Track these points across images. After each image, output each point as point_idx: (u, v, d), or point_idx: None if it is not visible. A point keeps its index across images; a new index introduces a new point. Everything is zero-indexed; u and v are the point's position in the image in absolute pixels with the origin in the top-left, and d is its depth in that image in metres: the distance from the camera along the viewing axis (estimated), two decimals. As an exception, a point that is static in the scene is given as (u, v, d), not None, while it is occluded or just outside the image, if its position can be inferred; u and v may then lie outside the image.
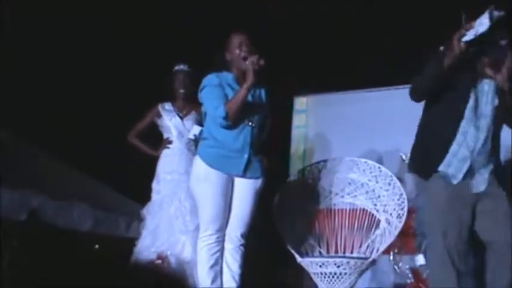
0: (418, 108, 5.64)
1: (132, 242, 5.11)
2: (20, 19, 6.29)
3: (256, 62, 3.80)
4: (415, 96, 3.69)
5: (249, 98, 3.92)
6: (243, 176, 3.91)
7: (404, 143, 5.79)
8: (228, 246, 3.87)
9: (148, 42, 7.04)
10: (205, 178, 3.84)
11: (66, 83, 6.92)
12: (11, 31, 6.18)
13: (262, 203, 4.13)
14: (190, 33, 6.83)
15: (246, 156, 3.89)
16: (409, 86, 6.63)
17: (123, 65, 6.97)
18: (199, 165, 3.89)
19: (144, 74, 6.87)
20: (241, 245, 3.90)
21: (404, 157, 4.68)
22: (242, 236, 3.91)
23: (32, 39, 6.50)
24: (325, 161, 5.18)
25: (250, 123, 3.92)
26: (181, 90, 5.06)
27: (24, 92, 6.81)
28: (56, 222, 5.92)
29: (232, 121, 3.82)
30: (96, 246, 8.06)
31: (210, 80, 3.96)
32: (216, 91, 3.88)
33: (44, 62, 6.67)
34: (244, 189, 3.92)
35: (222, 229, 3.84)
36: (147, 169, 5.10)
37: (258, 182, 3.98)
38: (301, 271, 5.21)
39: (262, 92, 4.10)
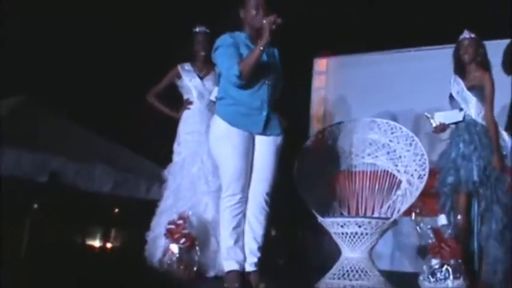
0: (435, 70, 5.64)
1: (153, 203, 5.13)
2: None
3: (273, 20, 3.74)
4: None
5: (264, 57, 3.88)
6: (263, 133, 3.88)
7: (422, 105, 5.82)
8: (252, 206, 3.85)
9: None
10: (225, 137, 3.81)
11: (86, 45, 6.93)
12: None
13: (282, 164, 4.10)
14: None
15: (264, 113, 3.86)
16: (425, 48, 6.68)
17: (141, 31, 6.98)
18: (219, 124, 3.87)
19: (162, 37, 6.86)
20: (265, 204, 3.86)
21: (429, 116, 4.63)
22: (267, 194, 3.87)
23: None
24: (345, 122, 5.15)
25: (266, 82, 3.89)
26: (202, 53, 5.02)
27: (44, 55, 6.83)
28: (76, 184, 5.97)
29: (246, 80, 3.78)
30: (116, 210, 8.14)
31: (224, 40, 3.92)
32: (230, 51, 3.84)
33: (65, 25, 6.68)
34: (266, 147, 3.89)
35: (244, 189, 3.81)
36: (168, 131, 5.09)
37: (278, 139, 3.94)
38: (320, 232, 5.23)
39: (275, 51, 4.07)
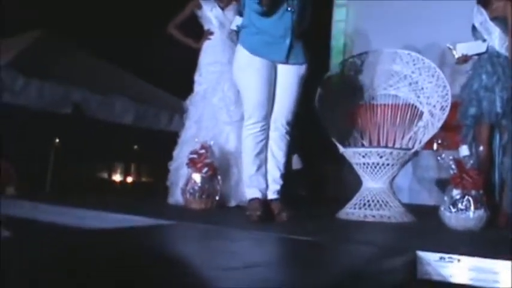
0: (457, 1, 5.53)
1: (174, 135, 5.17)
2: None
3: None
4: None
5: None
6: (286, 62, 3.85)
7: (444, 37, 5.74)
8: (273, 134, 3.86)
9: None
10: (248, 66, 3.80)
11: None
12: None
13: (304, 96, 4.09)
14: None
15: (288, 41, 3.83)
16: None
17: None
18: (242, 53, 3.85)
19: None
20: (286, 132, 3.88)
21: (451, 47, 4.57)
22: (288, 123, 3.89)
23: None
24: (366, 53, 5.10)
25: (289, 9, 3.82)
26: None
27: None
28: (98, 115, 6.03)
29: (267, 6, 3.74)
30: (135, 147, 8.22)
31: None
32: None
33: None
34: (288, 76, 3.87)
35: (266, 117, 3.82)
36: (189, 61, 5.08)
37: (302, 68, 3.92)
38: (340, 164, 5.25)
39: None
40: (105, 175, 8.66)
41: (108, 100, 6.13)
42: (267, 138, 3.85)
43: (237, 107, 4.57)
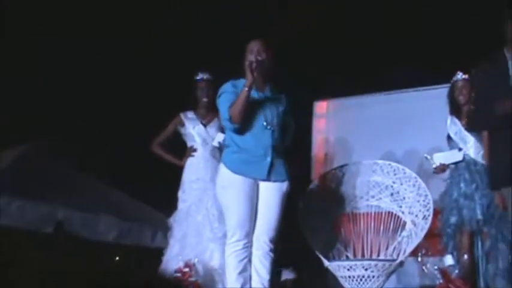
0: (434, 110, 5.68)
1: (158, 252, 5.13)
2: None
3: (253, 60, 3.81)
4: None
5: (265, 101, 3.93)
6: (268, 179, 3.89)
7: (422, 145, 5.85)
8: (257, 252, 3.84)
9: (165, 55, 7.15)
10: (230, 184, 3.85)
11: (90, 95, 7.03)
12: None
13: (286, 208, 4.11)
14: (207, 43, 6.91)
15: (268, 159, 3.88)
16: (423, 88, 6.73)
17: (144, 79, 7.08)
18: (224, 172, 3.90)
19: (165, 85, 6.96)
20: (269, 250, 3.86)
21: (429, 157, 4.67)
22: (271, 241, 3.87)
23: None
24: (348, 164, 5.18)
25: (268, 127, 3.91)
26: (205, 99, 5.05)
27: (49, 105, 6.93)
28: (81, 233, 5.98)
29: (237, 123, 3.82)
30: (117, 258, 8.10)
31: (225, 87, 3.98)
32: (230, 98, 3.88)
33: (71, 76, 6.80)
34: (270, 193, 3.90)
35: (249, 235, 3.82)
36: (172, 178, 5.11)
37: (284, 185, 3.95)
38: (325, 273, 5.21)
39: (283, 97, 4.10)
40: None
41: (92, 218, 6.11)
42: (250, 255, 3.84)
43: (221, 223, 4.56)
